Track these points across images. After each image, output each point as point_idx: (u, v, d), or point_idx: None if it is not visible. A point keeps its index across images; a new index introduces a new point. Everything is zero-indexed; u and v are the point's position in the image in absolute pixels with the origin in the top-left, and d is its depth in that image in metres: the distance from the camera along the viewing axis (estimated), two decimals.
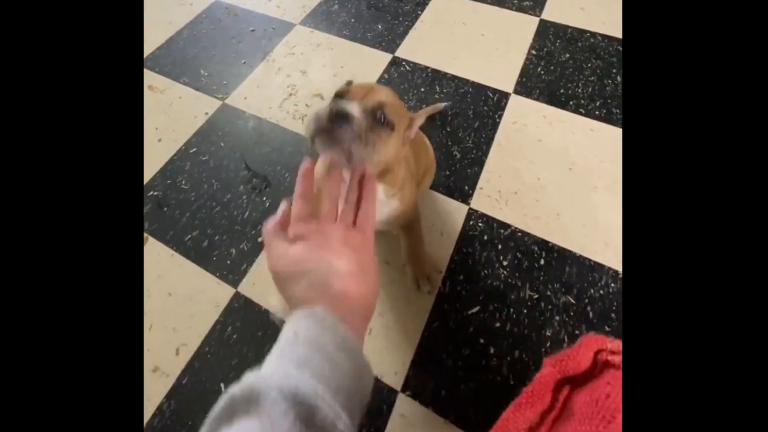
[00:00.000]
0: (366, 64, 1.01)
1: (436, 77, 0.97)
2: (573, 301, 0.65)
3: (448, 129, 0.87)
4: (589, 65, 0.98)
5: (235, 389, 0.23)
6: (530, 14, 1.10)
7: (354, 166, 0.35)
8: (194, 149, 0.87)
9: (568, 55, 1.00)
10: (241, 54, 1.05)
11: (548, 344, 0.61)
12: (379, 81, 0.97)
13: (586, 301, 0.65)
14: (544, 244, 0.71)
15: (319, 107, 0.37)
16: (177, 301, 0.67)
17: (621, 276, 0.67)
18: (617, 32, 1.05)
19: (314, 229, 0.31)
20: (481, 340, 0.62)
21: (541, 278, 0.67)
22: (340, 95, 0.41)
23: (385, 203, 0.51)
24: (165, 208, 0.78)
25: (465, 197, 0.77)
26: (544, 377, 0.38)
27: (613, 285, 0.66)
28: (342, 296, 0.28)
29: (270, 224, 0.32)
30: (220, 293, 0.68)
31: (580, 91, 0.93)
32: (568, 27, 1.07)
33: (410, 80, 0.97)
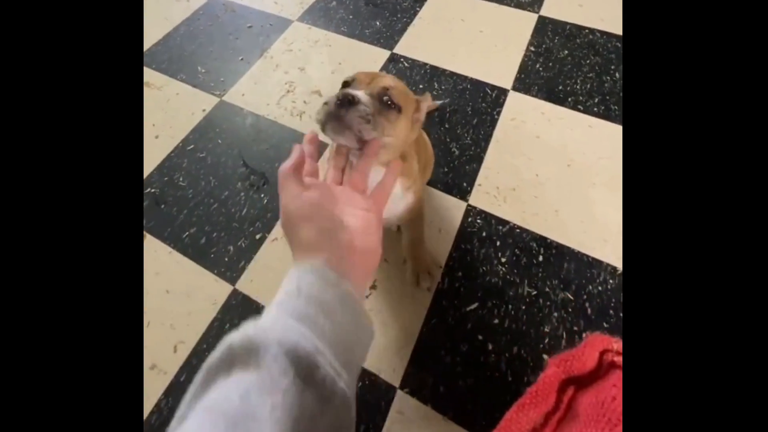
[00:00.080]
0: (364, 60, 1.00)
1: (435, 74, 0.97)
2: (571, 298, 0.65)
3: (447, 126, 0.87)
4: (588, 62, 0.98)
5: (234, 338, 0.23)
6: (529, 11, 1.10)
7: (367, 150, 0.36)
8: (192, 146, 0.86)
9: (566, 52, 1.00)
10: (239, 50, 1.04)
11: (546, 340, 0.61)
12: None
13: (585, 297, 0.65)
14: (542, 240, 0.71)
15: (328, 97, 0.38)
16: (175, 299, 0.67)
17: (619, 272, 0.67)
18: (616, 29, 1.04)
19: (323, 185, 0.33)
20: (480, 337, 0.62)
21: (540, 275, 0.67)
22: (346, 84, 0.42)
23: (401, 197, 0.52)
24: (162, 205, 0.78)
25: (463, 194, 0.77)
26: (548, 377, 0.37)
27: (611, 281, 0.66)
28: (346, 248, 0.29)
29: (287, 165, 0.32)
30: (218, 290, 0.67)
31: (578, 87, 0.93)
32: (566, 23, 1.06)
33: (409, 77, 0.96)
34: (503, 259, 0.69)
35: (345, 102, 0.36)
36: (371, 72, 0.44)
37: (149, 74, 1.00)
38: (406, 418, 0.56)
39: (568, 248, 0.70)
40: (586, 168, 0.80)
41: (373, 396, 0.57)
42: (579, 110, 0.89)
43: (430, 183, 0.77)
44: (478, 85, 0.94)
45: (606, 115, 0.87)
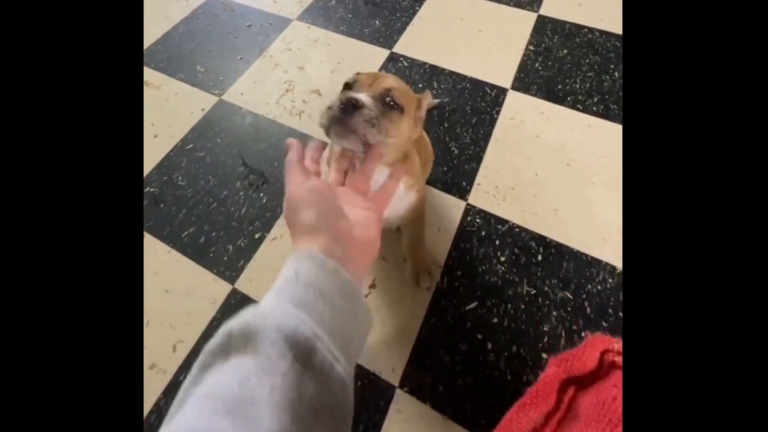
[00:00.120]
0: (364, 60, 1.00)
1: (434, 73, 0.97)
2: (570, 297, 0.65)
3: (446, 125, 0.87)
4: (587, 61, 0.98)
5: (232, 324, 0.23)
6: (528, 10, 1.10)
7: (371, 153, 0.37)
8: (191, 145, 0.86)
9: (565, 51, 1.00)
10: (238, 50, 1.04)
11: (545, 339, 0.61)
12: None
13: (584, 296, 0.65)
14: (541, 239, 0.71)
15: (330, 100, 0.37)
16: (174, 298, 0.67)
17: (618, 271, 0.67)
18: (615, 28, 1.04)
19: (326, 182, 0.34)
20: (479, 336, 0.62)
21: (539, 274, 0.67)
22: (347, 86, 0.42)
23: (404, 196, 0.52)
24: (161, 205, 0.78)
25: (463, 193, 0.77)
26: (548, 377, 0.37)
27: (610, 280, 0.66)
28: (345, 237, 0.29)
29: (292, 155, 0.34)
30: (217, 290, 0.67)
31: (577, 86, 0.93)
32: (566, 23, 1.06)
33: (408, 76, 0.96)
34: (502, 258, 0.69)
35: (349, 106, 0.36)
36: (372, 72, 0.44)
37: (148, 73, 0.99)
38: (406, 417, 0.56)
39: (567, 247, 0.70)
40: (586, 167, 0.80)
41: (372, 395, 0.57)
42: (578, 109, 0.89)
43: (429, 182, 0.77)
44: (478, 85, 0.94)
45: (605, 115, 0.87)
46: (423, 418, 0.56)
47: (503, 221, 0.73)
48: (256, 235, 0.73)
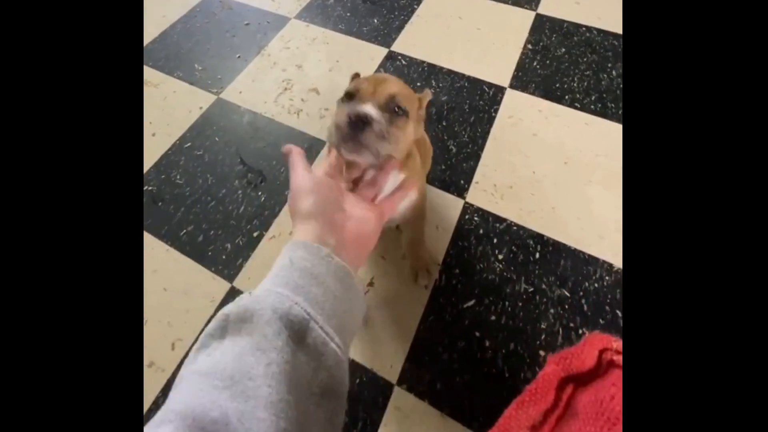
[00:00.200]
0: (362, 58, 1.00)
1: (432, 71, 0.97)
2: (568, 294, 0.65)
3: (444, 123, 0.87)
4: (585, 59, 0.98)
5: (229, 308, 0.24)
6: (526, 8, 1.10)
7: (385, 170, 0.37)
8: (189, 144, 0.86)
9: (563, 50, 1.00)
10: (236, 48, 1.04)
11: (543, 337, 0.61)
12: None
13: (581, 293, 0.65)
14: (539, 237, 0.71)
15: (338, 116, 0.37)
16: (172, 296, 0.67)
17: (615, 269, 0.67)
18: (612, 26, 1.05)
19: (327, 178, 0.34)
20: (477, 334, 0.62)
21: (536, 271, 0.67)
22: (350, 95, 0.41)
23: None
24: (159, 203, 0.78)
25: (461, 191, 0.77)
26: (547, 375, 0.37)
27: (607, 278, 0.66)
28: (339, 227, 0.30)
29: (297, 149, 0.35)
30: (216, 288, 0.68)
31: (575, 85, 0.93)
32: (563, 21, 1.06)
33: (406, 75, 0.96)
34: (500, 256, 0.69)
35: (359, 123, 0.35)
36: (372, 77, 0.43)
37: (146, 72, 0.99)
38: (404, 414, 0.56)
39: (565, 245, 0.70)
40: (583, 165, 0.80)
41: (370, 392, 0.58)
42: (576, 108, 0.89)
43: (427, 181, 0.77)
44: (476, 83, 0.94)
45: (603, 113, 0.88)
46: (421, 415, 0.56)
47: (501, 219, 0.73)
48: (255, 234, 0.73)
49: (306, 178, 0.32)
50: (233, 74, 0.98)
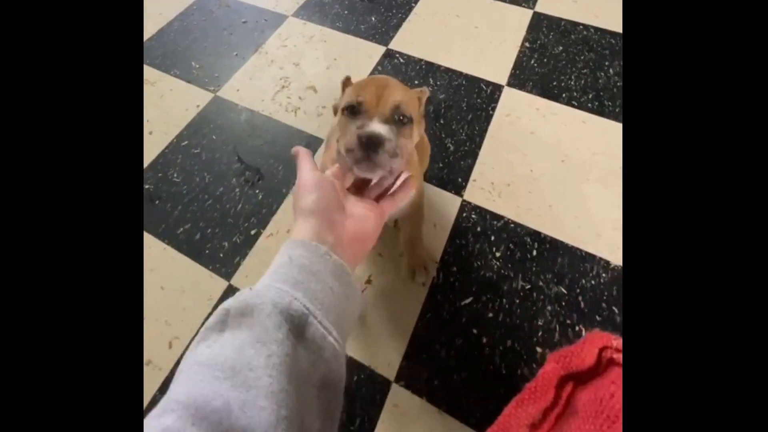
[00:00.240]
0: (359, 56, 1.00)
1: (430, 70, 0.97)
2: (565, 292, 0.65)
3: (442, 121, 0.87)
4: (582, 58, 0.98)
5: (229, 302, 0.24)
6: (524, 7, 1.10)
7: (402, 189, 0.38)
8: (186, 142, 0.86)
9: (561, 48, 1.00)
10: (233, 46, 1.03)
11: (540, 334, 0.62)
12: (372, 73, 0.96)
13: (578, 291, 0.65)
14: (536, 235, 0.71)
15: (348, 139, 0.36)
16: (169, 295, 0.67)
17: (612, 266, 0.68)
18: (610, 25, 1.05)
19: (330, 179, 0.35)
20: (474, 331, 0.62)
21: (534, 269, 0.68)
22: (353, 109, 0.40)
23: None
24: (156, 201, 0.77)
25: (458, 189, 0.77)
26: (547, 373, 0.37)
27: (604, 275, 0.67)
28: (338, 225, 0.31)
29: (304, 150, 0.36)
30: (213, 286, 0.67)
31: (572, 83, 0.93)
32: (561, 20, 1.07)
33: (404, 73, 0.96)
34: (498, 254, 0.69)
35: (371, 145, 0.35)
36: (371, 83, 0.42)
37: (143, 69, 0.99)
38: (401, 411, 0.56)
39: (562, 243, 0.70)
40: (580, 163, 0.80)
41: (368, 389, 0.58)
42: (573, 106, 0.89)
43: (425, 178, 0.77)
44: (473, 81, 0.94)
45: (600, 111, 0.88)
46: (419, 412, 0.56)
47: (498, 217, 0.73)
48: (252, 232, 0.73)
49: (311, 176, 0.33)
50: (230, 72, 0.98)
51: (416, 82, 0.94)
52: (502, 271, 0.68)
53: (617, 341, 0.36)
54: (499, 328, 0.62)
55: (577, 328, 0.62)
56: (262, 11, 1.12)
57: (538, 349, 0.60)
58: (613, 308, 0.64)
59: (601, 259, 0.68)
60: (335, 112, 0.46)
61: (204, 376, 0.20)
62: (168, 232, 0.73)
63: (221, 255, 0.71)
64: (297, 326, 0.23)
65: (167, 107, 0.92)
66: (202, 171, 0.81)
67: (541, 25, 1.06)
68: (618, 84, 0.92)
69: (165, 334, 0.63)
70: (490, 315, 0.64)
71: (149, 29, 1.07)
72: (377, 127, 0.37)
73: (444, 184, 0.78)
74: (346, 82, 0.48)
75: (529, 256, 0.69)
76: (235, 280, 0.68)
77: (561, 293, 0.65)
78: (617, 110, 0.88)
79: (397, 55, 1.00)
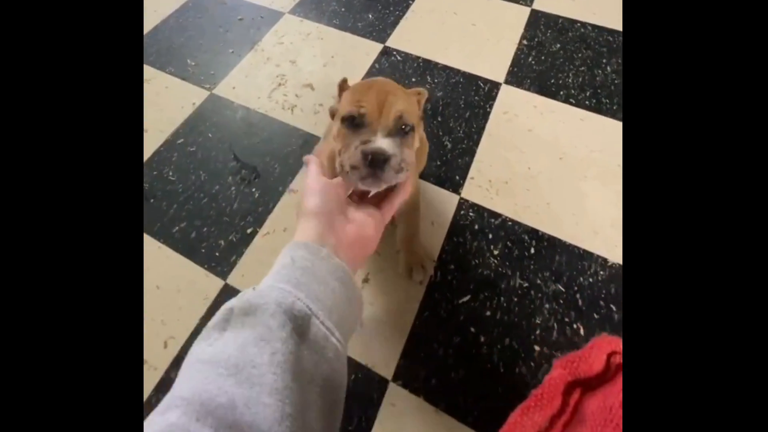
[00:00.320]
0: (356, 53, 0.99)
1: (428, 67, 0.96)
2: (562, 289, 0.65)
3: (439, 119, 0.87)
4: (580, 55, 0.98)
5: (233, 302, 0.25)
6: (521, 4, 1.10)
7: (398, 192, 0.38)
8: (181, 140, 0.85)
9: (558, 46, 1.00)
10: (229, 43, 1.03)
11: (538, 332, 0.61)
12: (369, 71, 0.96)
13: (576, 288, 0.65)
14: (534, 233, 0.71)
15: (352, 155, 0.36)
16: (165, 294, 0.66)
17: (610, 263, 0.67)
18: (607, 22, 1.05)
19: (335, 184, 0.36)
20: (472, 329, 0.62)
21: (531, 267, 0.67)
22: (354, 121, 0.38)
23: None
24: (151, 200, 0.77)
25: (456, 187, 0.77)
26: (554, 379, 0.36)
27: (602, 272, 0.67)
28: (339, 228, 0.32)
29: (314, 157, 0.38)
30: (209, 285, 0.67)
31: (570, 81, 0.93)
32: (559, 17, 1.06)
33: (401, 70, 0.96)
34: (495, 252, 0.69)
35: (378, 163, 0.35)
36: (371, 89, 0.40)
37: None
38: (399, 410, 0.56)
39: (560, 240, 0.70)
40: (578, 161, 0.80)
41: (365, 388, 0.57)
42: (571, 103, 0.89)
43: (423, 176, 0.77)
44: (471, 79, 0.94)
45: (597, 109, 0.88)
46: (416, 410, 0.56)
47: (496, 215, 0.73)
48: (248, 230, 0.72)
49: (316, 179, 0.34)
50: (226, 69, 0.97)
51: (414, 79, 0.94)
52: (500, 269, 0.67)
53: None
54: (497, 327, 0.62)
55: (575, 326, 0.62)
56: (258, 8, 1.11)
57: (536, 348, 0.60)
58: (611, 306, 0.63)
59: (599, 256, 0.68)
60: (332, 116, 0.45)
61: (208, 374, 0.21)
62: (163, 231, 0.73)
63: (217, 254, 0.70)
64: (300, 326, 0.24)
65: (162, 105, 0.91)
66: (198, 169, 0.81)
67: (538, 22, 1.05)
68: (616, 81, 0.92)
69: (160, 334, 0.63)
70: (488, 313, 0.63)
71: (144, 26, 1.06)
72: (382, 143, 0.36)
73: (441, 182, 0.77)
74: (343, 85, 0.47)
75: (527, 253, 0.69)
76: (231, 279, 0.67)
77: (559, 291, 0.65)
78: (615, 108, 0.88)
79: (395, 53, 0.99)
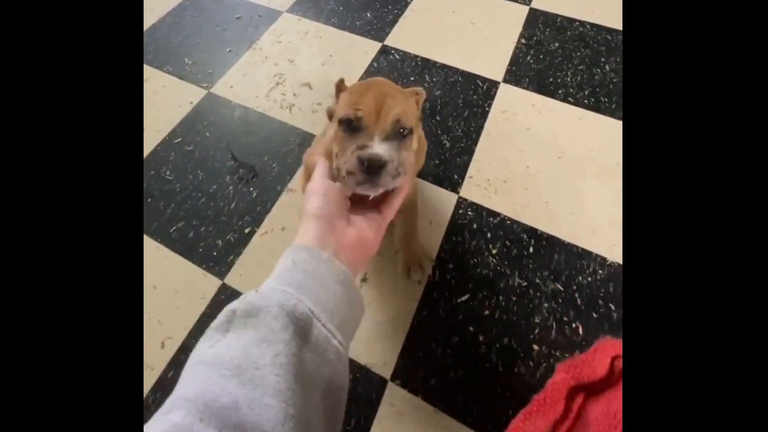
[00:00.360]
0: (355, 52, 0.99)
1: (426, 66, 0.96)
2: (561, 288, 0.65)
3: (438, 118, 0.87)
4: (578, 54, 0.98)
5: (235, 304, 0.25)
6: (520, 3, 1.10)
7: (396, 194, 0.38)
8: (179, 139, 0.85)
9: (557, 44, 1.00)
10: (227, 42, 1.02)
11: (537, 331, 0.61)
12: (368, 70, 0.95)
13: (574, 287, 0.65)
14: (532, 232, 0.71)
15: (348, 160, 0.35)
16: (162, 294, 0.66)
17: (609, 262, 0.67)
18: (606, 21, 1.05)
19: (338, 188, 0.36)
20: (471, 328, 0.62)
21: (530, 266, 0.67)
22: (350, 125, 0.38)
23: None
24: (149, 199, 0.76)
25: (454, 186, 0.77)
26: (556, 384, 0.36)
27: (600, 272, 0.66)
28: (341, 231, 0.32)
29: (323, 159, 0.38)
30: (207, 285, 0.67)
31: (568, 79, 0.93)
32: (557, 16, 1.06)
33: (400, 69, 0.96)
34: (494, 251, 0.69)
35: (374, 169, 0.35)
36: (368, 92, 0.39)
37: None
38: (397, 410, 0.56)
39: (558, 239, 0.70)
40: (576, 160, 0.80)
41: (364, 388, 0.57)
42: (569, 102, 0.89)
43: (421, 175, 0.77)
44: (470, 78, 0.93)
45: (596, 107, 0.88)
46: (415, 410, 0.56)
47: (495, 214, 0.73)
48: (246, 230, 0.72)
49: (320, 182, 0.34)
50: (224, 68, 0.97)
51: (412, 78, 0.94)
52: (499, 269, 0.67)
53: None
54: (496, 326, 0.62)
55: (573, 325, 0.62)
56: (256, 7, 1.10)
57: (535, 347, 0.60)
58: (610, 305, 0.63)
59: (597, 255, 0.68)
60: (330, 117, 0.45)
61: (210, 375, 0.21)
62: (160, 231, 0.72)
63: (215, 253, 0.70)
64: (302, 328, 0.24)
65: (160, 104, 0.90)
66: (196, 168, 0.80)
67: (537, 21, 1.05)
68: (614, 80, 0.92)
69: (157, 334, 0.62)
70: (487, 312, 0.63)
71: None
72: (379, 148, 0.35)
73: (440, 181, 0.77)
74: (340, 86, 0.46)
75: (525, 253, 0.69)
76: (228, 279, 0.67)
77: (557, 290, 0.65)
78: (613, 106, 0.88)
79: (393, 52, 0.99)
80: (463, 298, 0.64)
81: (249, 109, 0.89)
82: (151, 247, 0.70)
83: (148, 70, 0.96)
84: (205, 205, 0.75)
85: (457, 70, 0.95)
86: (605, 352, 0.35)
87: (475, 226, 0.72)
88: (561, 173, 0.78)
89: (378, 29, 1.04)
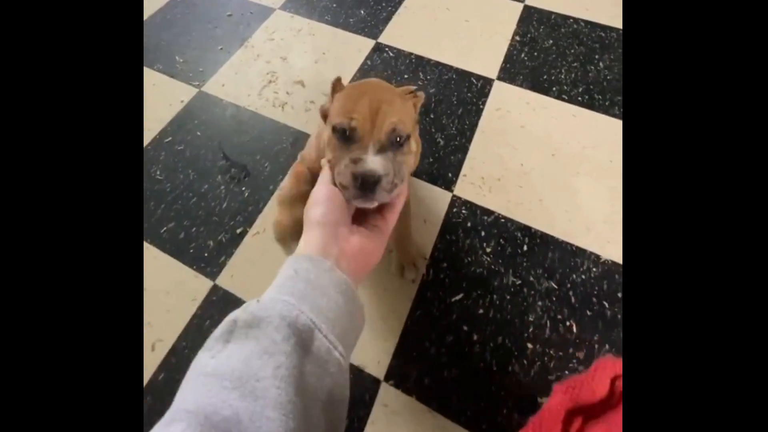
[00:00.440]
0: (348, 50, 0.98)
1: (420, 64, 0.95)
2: (555, 287, 0.65)
3: (432, 116, 0.86)
4: (572, 51, 0.97)
5: (237, 314, 0.24)
6: (514, 0, 1.09)
7: (394, 207, 0.38)
8: (169, 138, 0.83)
9: (551, 42, 0.99)
10: (218, 40, 1.01)
11: (531, 329, 0.61)
12: (362, 68, 0.95)
13: (568, 285, 0.65)
14: (527, 230, 0.71)
15: (342, 173, 0.34)
16: (152, 296, 0.65)
17: (602, 260, 0.67)
18: (600, 18, 1.04)
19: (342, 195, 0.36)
20: (465, 327, 0.61)
21: (524, 264, 0.67)
22: (343, 133, 0.37)
23: None
24: None
25: (448, 184, 0.76)
26: (553, 407, 0.34)
27: (594, 269, 0.66)
28: (343, 239, 0.31)
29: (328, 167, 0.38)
30: (198, 286, 0.66)
31: (563, 77, 0.92)
32: (551, 13, 1.06)
33: (393, 66, 0.95)
34: (488, 249, 0.69)
35: (368, 185, 0.34)
36: (364, 98, 0.38)
37: None
38: (391, 410, 0.55)
39: (553, 237, 0.70)
40: (571, 157, 0.80)
41: (357, 389, 0.57)
42: (563, 100, 0.88)
43: (415, 174, 0.76)
44: (464, 75, 0.93)
45: (590, 105, 0.87)
46: (409, 410, 0.55)
47: (489, 212, 0.73)
48: (238, 230, 0.71)
49: (323, 189, 0.34)
50: (215, 67, 0.95)
51: (406, 76, 0.93)
52: (493, 267, 0.67)
53: None
54: (490, 325, 0.62)
55: (567, 323, 0.62)
56: (247, 4, 1.09)
57: (529, 345, 0.60)
58: (604, 303, 0.63)
59: (591, 253, 0.68)
60: (323, 116, 0.44)
61: (211, 386, 0.20)
62: (151, 231, 0.71)
63: (206, 254, 0.69)
64: (304, 340, 0.24)
65: (150, 102, 0.89)
66: (186, 168, 0.79)
67: (531, 18, 1.05)
68: (608, 77, 0.92)
69: (148, 337, 0.61)
70: (481, 311, 0.63)
71: None
72: (373, 162, 0.34)
73: (434, 180, 0.77)
74: (336, 85, 0.44)
75: (519, 251, 0.68)
76: (220, 280, 0.66)
77: (552, 288, 0.65)
78: (607, 104, 0.87)
79: (387, 49, 0.98)
80: (457, 297, 0.64)
81: (241, 107, 0.88)
82: None
83: None
84: (196, 205, 0.74)
85: (451, 67, 0.94)
86: (605, 372, 0.34)
87: (469, 224, 0.71)
88: (555, 171, 0.78)
89: (372, 26, 1.03)
